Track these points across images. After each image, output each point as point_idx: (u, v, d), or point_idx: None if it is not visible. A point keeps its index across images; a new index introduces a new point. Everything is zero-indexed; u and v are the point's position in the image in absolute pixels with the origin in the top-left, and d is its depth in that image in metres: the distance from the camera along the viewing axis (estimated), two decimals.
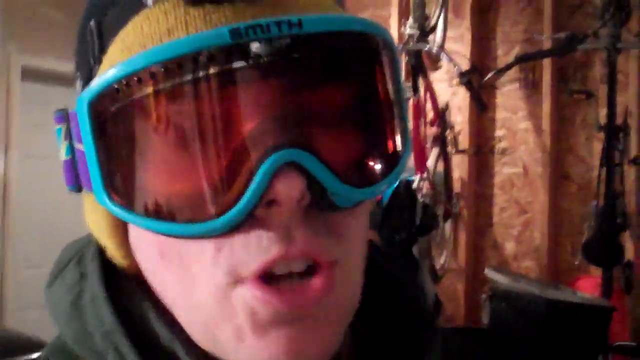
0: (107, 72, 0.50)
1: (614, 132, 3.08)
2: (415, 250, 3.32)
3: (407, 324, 0.64)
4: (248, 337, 0.51)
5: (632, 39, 3.11)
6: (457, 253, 4.17)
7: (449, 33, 3.76)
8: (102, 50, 0.55)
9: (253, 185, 0.48)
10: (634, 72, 3.51)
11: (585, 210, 3.38)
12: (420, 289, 0.67)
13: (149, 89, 0.49)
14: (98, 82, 0.50)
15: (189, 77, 0.48)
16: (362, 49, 0.54)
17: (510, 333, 2.62)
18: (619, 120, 3.17)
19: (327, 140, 0.51)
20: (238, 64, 0.48)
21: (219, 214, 0.49)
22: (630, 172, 3.40)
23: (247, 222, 0.50)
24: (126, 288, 0.58)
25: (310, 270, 0.51)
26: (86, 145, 0.52)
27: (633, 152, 3.41)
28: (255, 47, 0.48)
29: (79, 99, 0.52)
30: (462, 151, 4.12)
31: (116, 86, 0.50)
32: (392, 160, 0.55)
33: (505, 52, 4.05)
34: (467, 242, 4.16)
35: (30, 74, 4.85)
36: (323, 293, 0.51)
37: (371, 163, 0.54)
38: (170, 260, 0.53)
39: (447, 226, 4.00)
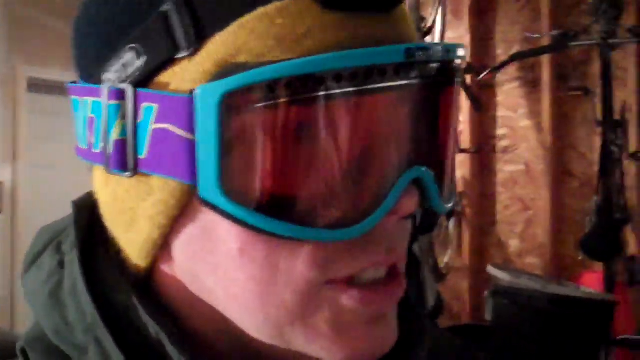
0: (260, 68, 0.47)
1: (611, 128, 3.10)
2: (416, 248, 3.34)
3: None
4: (327, 336, 0.52)
5: (626, 34, 3.13)
6: (462, 251, 4.19)
7: (448, 34, 3.78)
8: (200, 30, 0.49)
9: (389, 199, 0.50)
10: (632, 68, 3.53)
11: (587, 206, 3.40)
12: (416, 286, 0.69)
13: (313, 94, 0.48)
14: (243, 76, 0.47)
15: (356, 88, 0.48)
16: (460, 76, 0.56)
17: (514, 329, 2.64)
18: (617, 116, 3.20)
19: (439, 161, 0.54)
20: (404, 82, 0.49)
21: (355, 223, 0.50)
22: (631, 167, 3.43)
23: None
24: (109, 278, 0.55)
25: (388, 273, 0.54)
26: (206, 138, 0.48)
27: (634, 148, 3.43)
28: (420, 68, 0.50)
29: (207, 87, 0.48)
30: (464, 150, 4.14)
31: (271, 84, 0.47)
32: (455, 181, 0.59)
33: (504, 52, 4.07)
34: (471, 240, 4.18)
35: (36, 86, 4.90)
36: (403, 289, 0.54)
37: (449, 184, 0.57)
38: (252, 259, 0.51)
39: (451, 224, 4.02)
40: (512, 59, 3.34)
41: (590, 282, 3.22)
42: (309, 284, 0.50)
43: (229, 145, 0.48)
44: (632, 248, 3.40)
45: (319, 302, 0.51)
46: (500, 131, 4.09)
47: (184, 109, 0.49)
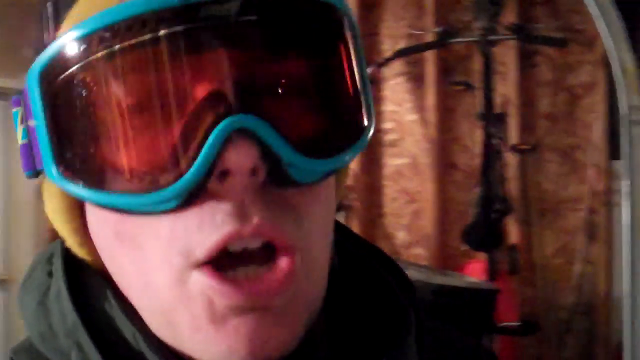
0: (56, 41, 0.48)
1: (492, 121, 3.19)
2: None
3: (381, 307, 0.61)
4: (204, 326, 0.49)
5: (505, 31, 3.23)
6: None
7: None
8: (57, 28, 0.53)
9: (203, 153, 0.46)
10: (512, 63, 3.64)
11: (470, 197, 3.49)
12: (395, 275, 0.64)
13: (96, 54, 0.47)
14: (47, 51, 0.49)
15: (136, 40, 0.46)
16: (323, 15, 0.52)
17: None
18: (498, 110, 3.29)
19: (283, 108, 0.49)
20: (188, 26, 0.46)
21: (169, 184, 0.47)
22: (512, 159, 3.53)
23: (200, 198, 0.48)
24: (90, 283, 0.56)
25: (269, 258, 0.50)
26: (37, 119, 0.50)
27: (514, 140, 3.54)
28: (206, 7, 0.46)
29: (29, 72, 0.50)
30: None
31: (63, 53, 0.48)
32: (354, 133, 0.53)
33: (390, 47, 4.12)
34: (359, 233, 4.20)
35: None
36: (283, 282, 0.49)
37: (331, 134, 0.52)
38: (125, 241, 0.50)
39: (340, 218, 4.05)
40: (397, 54, 3.40)
41: (474, 272, 3.30)
42: (174, 267, 0.49)
43: (51, 123, 0.49)
44: (513, 237, 3.51)
45: (190, 290, 0.49)
46: (386, 125, 4.14)
47: (28, 100, 0.51)
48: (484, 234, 3.12)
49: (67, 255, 0.57)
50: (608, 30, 2.10)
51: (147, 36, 0.46)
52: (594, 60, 3.50)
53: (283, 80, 0.50)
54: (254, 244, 0.49)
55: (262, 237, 0.49)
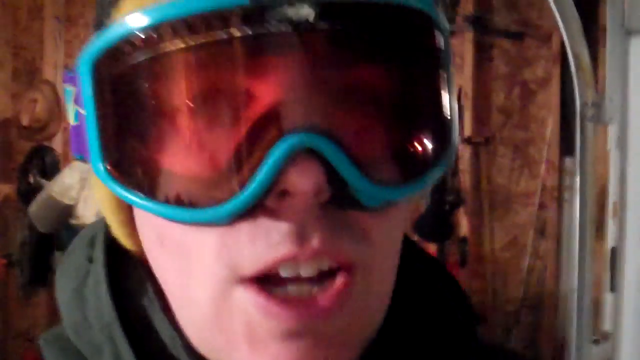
0: (113, 27, 0.43)
1: None
2: None
3: (440, 328, 0.56)
4: (241, 347, 0.45)
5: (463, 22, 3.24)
6: None
7: None
8: (113, 2, 0.48)
9: (263, 171, 0.41)
10: (468, 55, 3.64)
11: None
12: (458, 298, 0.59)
13: (163, 48, 0.42)
14: (102, 37, 0.44)
15: (207, 39, 0.41)
16: (408, 25, 0.46)
17: None
18: None
19: (355, 129, 0.44)
20: (261, 29, 0.41)
21: (223, 201, 0.42)
22: (465, 151, 3.54)
23: (257, 213, 0.43)
24: (132, 275, 0.52)
25: (324, 278, 0.44)
26: (86, 108, 0.45)
27: (468, 132, 3.55)
28: (281, 10, 0.41)
29: (82, 56, 0.45)
30: None
31: (121, 44, 0.43)
32: (428, 159, 0.47)
33: None
34: None
35: None
36: (337, 304, 0.44)
37: (403, 160, 0.46)
38: (168, 246, 0.46)
39: None
40: None
41: None
42: (218, 280, 0.44)
43: (102, 116, 0.45)
44: (463, 230, 3.53)
45: (232, 306, 0.45)
46: None
47: (79, 84, 0.46)
48: (435, 225, 3.13)
49: (110, 239, 0.53)
50: (565, 26, 2.09)
51: (219, 35, 0.41)
52: (549, 55, 3.52)
53: (355, 96, 0.44)
54: (308, 271, 0.44)
55: (319, 263, 0.44)
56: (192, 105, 0.43)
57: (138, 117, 0.44)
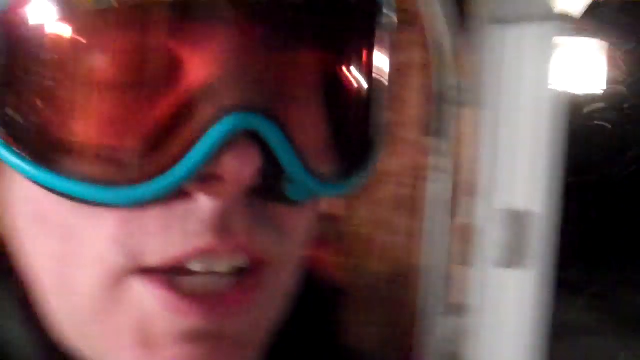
0: None
1: None
2: None
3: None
4: (128, 347, 0.39)
5: None
6: None
7: None
8: None
9: (197, 153, 0.36)
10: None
11: None
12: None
13: (72, 6, 0.36)
14: None
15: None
16: (367, 10, 0.43)
17: None
18: None
19: (299, 113, 0.39)
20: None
21: (141, 181, 0.36)
22: None
23: (171, 196, 0.37)
24: None
25: (234, 273, 0.39)
26: None
27: None
28: None
29: None
30: None
31: None
32: (364, 156, 0.44)
33: None
34: None
35: None
36: (247, 303, 0.39)
37: (343, 154, 0.43)
38: (49, 227, 0.39)
39: None
40: None
41: None
42: (109, 268, 0.38)
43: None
44: (326, 206, 3.58)
45: (124, 299, 0.38)
46: None
47: None
48: None
49: None
50: (431, 10, 2.17)
51: None
52: (414, 39, 3.61)
53: (303, 78, 0.40)
54: (223, 267, 0.39)
55: (238, 257, 0.39)
56: (113, 68, 0.37)
57: (46, 76, 0.37)
